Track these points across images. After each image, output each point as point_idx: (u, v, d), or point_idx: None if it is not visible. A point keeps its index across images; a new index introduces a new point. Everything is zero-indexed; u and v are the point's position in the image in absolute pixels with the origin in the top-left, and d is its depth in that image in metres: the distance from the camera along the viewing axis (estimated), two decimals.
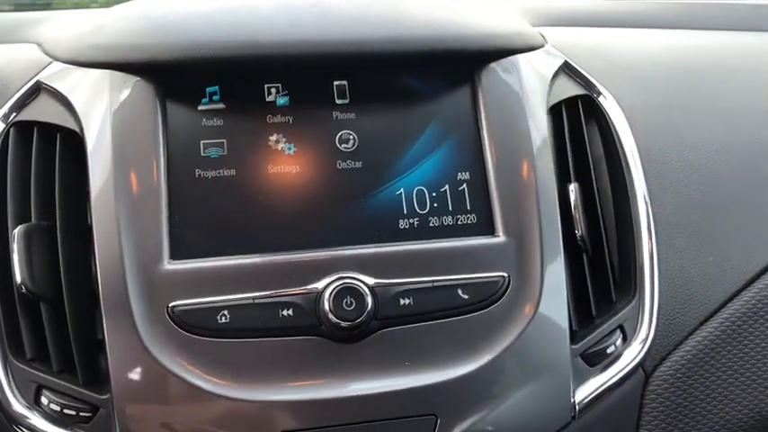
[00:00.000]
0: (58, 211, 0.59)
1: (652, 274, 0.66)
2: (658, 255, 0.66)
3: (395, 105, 0.64)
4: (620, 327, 0.64)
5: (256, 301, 0.56)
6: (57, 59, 0.66)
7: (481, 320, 0.59)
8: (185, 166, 0.60)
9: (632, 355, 0.64)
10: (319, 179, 0.61)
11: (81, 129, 0.60)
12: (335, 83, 0.64)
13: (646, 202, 0.67)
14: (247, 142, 0.61)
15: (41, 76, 0.64)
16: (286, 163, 0.61)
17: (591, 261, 0.66)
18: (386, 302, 0.57)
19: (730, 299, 0.69)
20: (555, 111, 0.69)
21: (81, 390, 0.56)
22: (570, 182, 0.66)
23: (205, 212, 0.59)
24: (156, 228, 0.57)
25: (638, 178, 0.68)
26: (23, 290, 0.57)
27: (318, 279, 0.57)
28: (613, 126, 0.70)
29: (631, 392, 0.65)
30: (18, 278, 0.57)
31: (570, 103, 0.70)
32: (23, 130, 0.62)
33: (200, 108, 0.62)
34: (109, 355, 0.55)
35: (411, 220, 0.61)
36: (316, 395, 0.56)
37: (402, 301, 0.58)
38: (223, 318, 0.56)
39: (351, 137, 0.63)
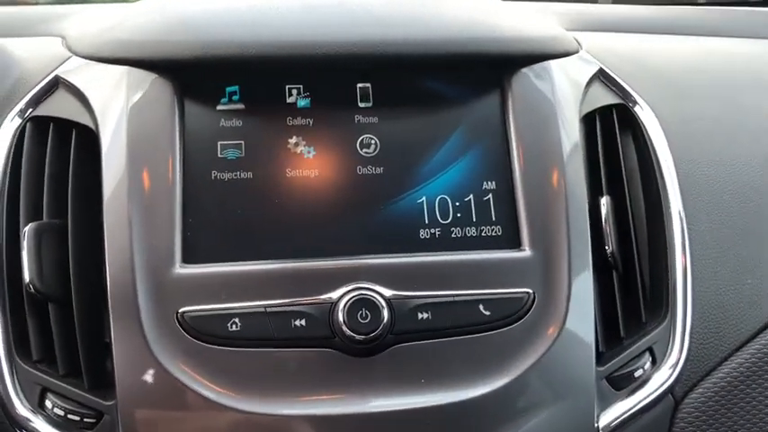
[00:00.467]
0: (70, 210, 0.58)
1: (685, 294, 0.62)
2: (692, 275, 0.63)
3: (419, 110, 0.62)
4: (650, 349, 0.61)
5: (268, 309, 0.55)
6: (76, 54, 0.65)
7: (503, 339, 0.56)
8: (201, 167, 0.59)
9: (661, 379, 0.61)
10: (338, 184, 0.59)
11: (96, 126, 0.59)
12: (359, 85, 0.62)
13: (681, 219, 0.64)
14: (266, 144, 0.60)
15: (60, 71, 0.63)
16: (305, 166, 0.60)
17: (621, 279, 0.63)
18: (403, 316, 0.55)
19: None
20: (588, 120, 0.66)
21: (86, 395, 0.55)
22: (602, 195, 0.63)
23: (219, 216, 0.58)
24: (168, 230, 0.56)
25: (673, 193, 0.65)
26: (32, 289, 0.55)
27: (333, 289, 0.55)
28: (649, 137, 0.67)
29: (659, 420, 0.62)
30: (27, 277, 0.55)
31: (604, 112, 0.67)
32: (40, 125, 0.61)
33: (218, 108, 0.60)
34: (115, 359, 0.54)
35: (432, 230, 0.59)
36: (324, 411, 0.54)
37: (420, 316, 0.55)
38: (234, 326, 0.54)
39: (372, 141, 0.61)
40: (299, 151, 0.60)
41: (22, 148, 0.60)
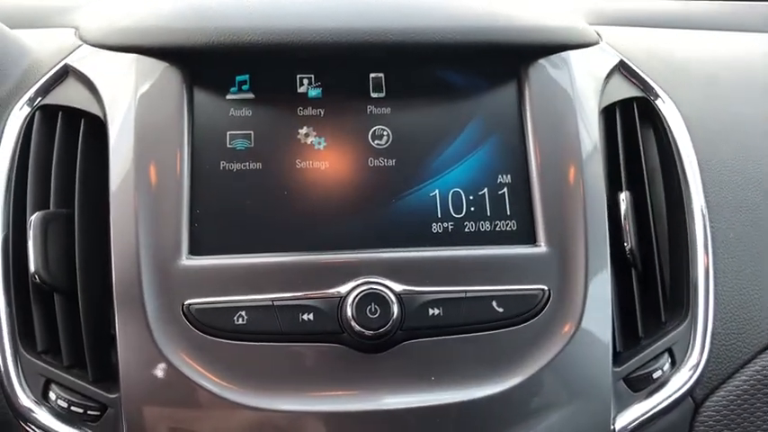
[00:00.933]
0: (77, 200, 0.57)
1: (707, 293, 0.61)
2: (714, 273, 0.61)
3: (433, 101, 0.61)
4: (669, 350, 0.60)
5: (276, 303, 0.53)
6: (85, 42, 0.64)
7: (516, 336, 0.55)
8: (210, 157, 0.58)
9: (681, 381, 0.59)
10: (349, 176, 0.58)
11: (105, 115, 0.59)
12: (372, 75, 0.61)
13: (703, 216, 0.62)
14: (276, 135, 0.59)
15: (70, 60, 0.63)
16: (315, 158, 0.58)
17: (640, 277, 0.61)
18: (413, 312, 0.54)
19: None
20: (608, 113, 0.64)
21: (90, 387, 0.54)
22: (621, 190, 0.62)
23: (227, 207, 0.57)
24: (175, 221, 0.55)
25: (695, 189, 0.63)
26: (37, 279, 0.55)
27: (342, 283, 0.54)
28: (671, 132, 0.65)
29: (678, 423, 0.60)
30: (32, 267, 0.55)
31: (625, 105, 0.65)
32: (49, 114, 0.61)
33: (228, 97, 0.60)
34: (119, 352, 0.53)
35: (445, 225, 0.58)
36: (330, 407, 0.53)
37: (431, 312, 0.54)
38: (240, 319, 0.53)
39: (385, 133, 0.59)
40: (309, 142, 0.59)
41: (30, 138, 0.59)
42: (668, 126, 0.65)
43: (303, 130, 0.59)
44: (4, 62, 0.62)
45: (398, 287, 0.54)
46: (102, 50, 0.62)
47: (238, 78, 0.60)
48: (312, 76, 0.60)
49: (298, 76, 0.60)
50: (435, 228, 0.58)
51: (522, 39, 0.62)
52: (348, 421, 0.53)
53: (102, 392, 0.54)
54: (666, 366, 0.59)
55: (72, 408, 0.54)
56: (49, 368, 0.55)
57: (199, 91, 0.59)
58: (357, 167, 0.58)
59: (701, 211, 0.63)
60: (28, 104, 0.61)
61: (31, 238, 0.55)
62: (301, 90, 0.60)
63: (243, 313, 0.53)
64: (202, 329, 0.53)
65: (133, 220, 0.54)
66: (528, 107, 0.60)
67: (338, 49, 0.60)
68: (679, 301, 0.61)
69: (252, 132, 0.59)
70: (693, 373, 0.59)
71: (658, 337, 0.60)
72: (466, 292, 0.55)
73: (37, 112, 0.60)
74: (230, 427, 0.52)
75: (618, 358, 0.58)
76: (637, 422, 0.57)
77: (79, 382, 0.54)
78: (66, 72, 0.62)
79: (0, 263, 0.55)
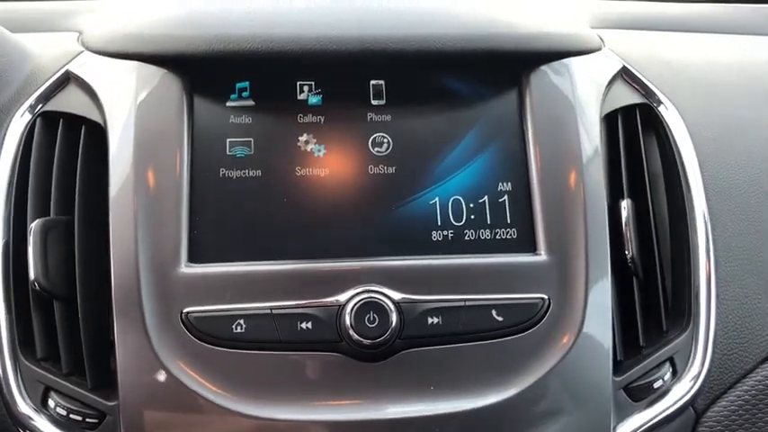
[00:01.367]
0: (77, 207, 0.57)
1: (709, 302, 0.60)
2: (716, 282, 0.61)
3: (434, 108, 0.60)
4: (670, 359, 0.59)
5: (274, 311, 0.53)
6: (87, 48, 0.64)
7: (516, 346, 0.54)
8: (209, 164, 0.58)
9: (682, 391, 0.58)
10: (349, 184, 0.58)
11: (105, 122, 0.59)
12: (372, 82, 0.61)
13: (705, 223, 0.62)
14: (275, 142, 0.59)
15: (71, 66, 0.63)
16: (315, 165, 0.58)
17: (641, 285, 0.60)
18: (412, 321, 0.53)
19: None
20: (609, 119, 0.64)
21: (89, 394, 0.54)
22: (623, 198, 0.61)
23: (227, 215, 0.57)
24: (174, 228, 0.55)
25: (698, 197, 0.63)
26: (37, 287, 0.55)
27: (341, 291, 0.54)
28: (673, 138, 0.65)
29: None
30: (32, 274, 0.55)
31: (627, 111, 0.65)
32: (49, 121, 0.61)
33: (228, 104, 0.59)
34: (118, 359, 0.53)
35: (445, 233, 0.57)
36: (329, 417, 0.52)
37: (430, 320, 0.54)
38: (238, 327, 0.53)
39: (385, 140, 0.59)
40: (309, 149, 0.59)
41: (31, 144, 0.59)
42: (671, 133, 0.65)
43: (303, 138, 0.59)
44: (6, 69, 0.63)
45: (397, 295, 0.54)
46: (103, 57, 0.62)
47: (238, 85, 0.60)
48: (312, 83, 0.60)
49: (298, 83, 0.60)
50: (435, 236, 0.57)
51: (524, 46, 0.61)
52: (346, 430, 0.53)
53: (100, 400, 0.54)
54: (667, 376, 0.59)
55: (71, 415, 0.54)
56: (49, 375, 0.55)
57: (199, 98, 0.59)
58: (357, 175, 0.58)
59: (704, 218, 0.62)
60: (29, 111, 0.61)
61: (31, 246, 0.55)
62: (301, 97, 0.60)
63: (241, 321, 0.53)
64: (201, 337, 0.53)
65: (132, 227, 0.54)
66: (529, 114, 0.60)
67: (339, 57, 0.60)
68: (681, 309, 0.61)
69: (252, 139, 0.59)
70: (695, 384, 0.58)
71: (659, 347, 0.59)
72: (465, 300, 0.54)
73: (38, 119, 0.60)
74: None
75: (618, 367, 0.58)
76: None
77: (78, 389, 0.54)
78: (67, 78, 0.62)
79: (0, 270, 0.55)
